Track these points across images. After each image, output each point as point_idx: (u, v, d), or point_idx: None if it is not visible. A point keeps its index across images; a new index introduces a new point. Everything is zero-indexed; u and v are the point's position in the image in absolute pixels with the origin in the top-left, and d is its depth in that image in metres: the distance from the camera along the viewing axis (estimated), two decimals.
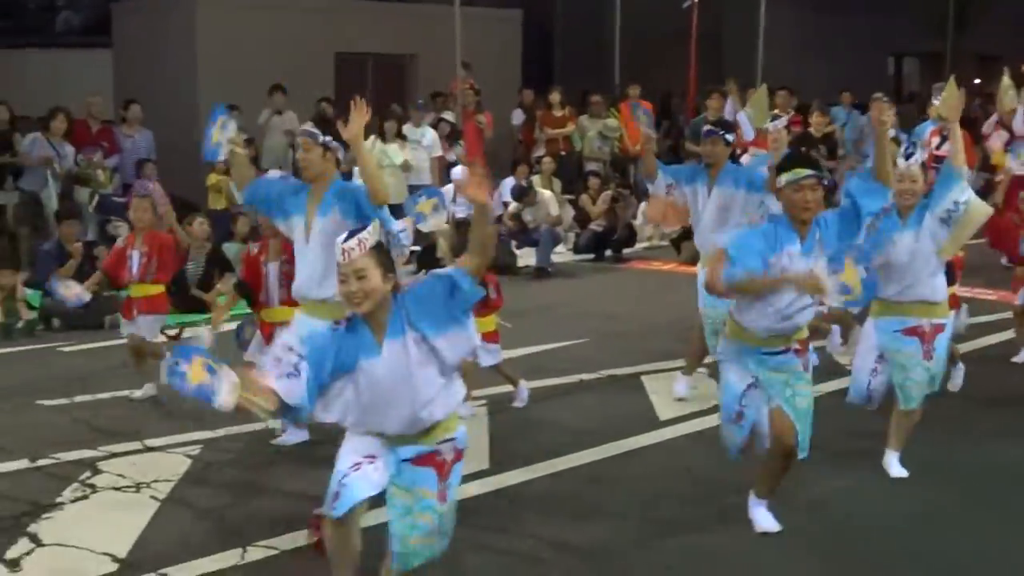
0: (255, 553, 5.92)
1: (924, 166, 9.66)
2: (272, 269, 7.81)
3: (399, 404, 4.57)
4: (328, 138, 6.48)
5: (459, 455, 4.77)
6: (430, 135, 15.64)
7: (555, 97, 17.98)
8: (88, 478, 7.06)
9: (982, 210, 6.93)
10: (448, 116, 17.04)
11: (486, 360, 8.19)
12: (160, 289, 8.93)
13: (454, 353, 4.63)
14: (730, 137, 8.42)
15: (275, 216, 6.93)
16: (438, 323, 4.56)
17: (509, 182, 15.38)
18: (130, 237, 8.99)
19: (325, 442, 4.20)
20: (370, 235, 4.50)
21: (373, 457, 4.63)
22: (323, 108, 16.01)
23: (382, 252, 4.56)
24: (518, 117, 18.73)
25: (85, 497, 6.75)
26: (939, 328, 6.95)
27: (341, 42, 19.92)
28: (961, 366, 8.94)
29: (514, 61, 21.99)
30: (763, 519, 6.08)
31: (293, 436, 7.52)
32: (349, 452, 4.67)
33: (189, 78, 18.52)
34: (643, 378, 9.33)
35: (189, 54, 18.68)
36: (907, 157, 6.94)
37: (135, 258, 8.75)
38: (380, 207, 6.56)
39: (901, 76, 31.14)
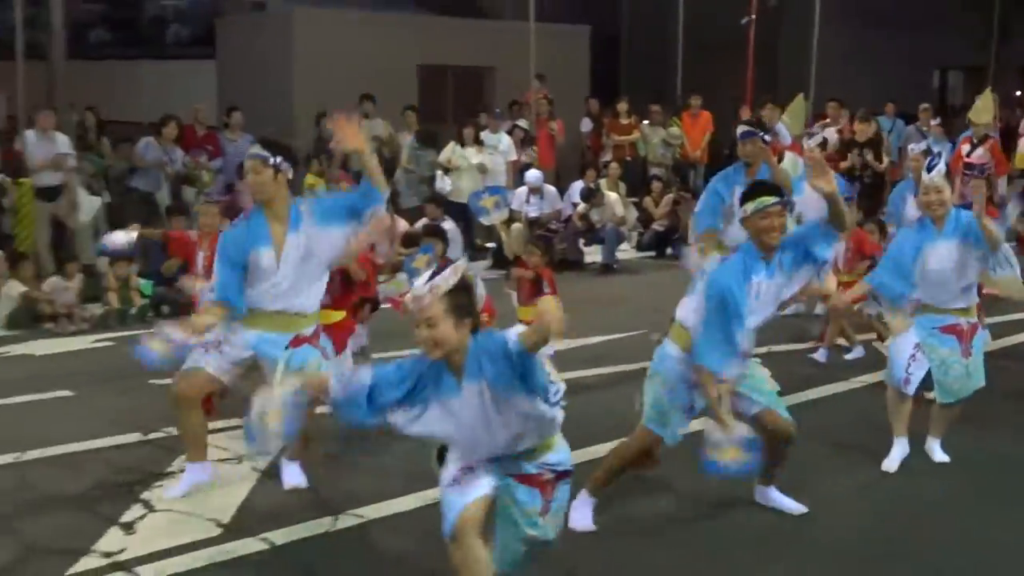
0: (345, 521, 5.98)
1: (949, 172, 9.55)
2: (200, 258, 7.73)
3: (484, 439, 4.33)
4: (278, 159, 5.89)
5: (563, 475, 4.48)
6: (506, 141, 15.61)
7: (622, 106, 17.89)
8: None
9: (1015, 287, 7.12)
10: (522, 123, 17.00)
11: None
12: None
13: (526, 404, 4.23)
14: (767, 138, 8.27)
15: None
16: (506, 383, 4.15)
17: (578, 185, 15.30)
18: (200, 237, 8.89)
19: None
20: (445, 280, 4.11)
21: (471, 468, 4.40)
22: (408, 115, 16.08)
23: (458, 296, 4.13)
24: (586, 125, 18.65)
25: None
26: (976, 326, 6.77)
27: (424, 55, 19.97)
28: None
29: (583, 73, 21.94)
30: (781, 500, 6.05)
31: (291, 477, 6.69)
32: (450, 462, 4.48)
33: (286, 87, 18.64)
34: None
35: (286, 65, 18.80)
36: (929, 170, 6.63)
37: (200, 259, 8.62)
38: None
39: (946, 89, 30.64)
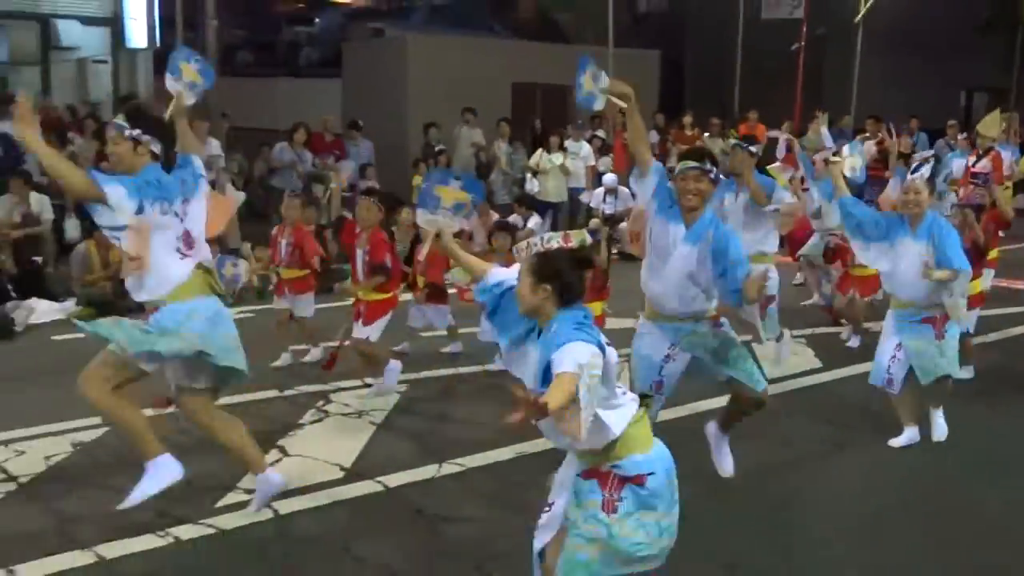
0: (448, 468, 6.02)
1: (953, 181, 9.22)
2: (359, 254, 7.41)
3: None
4: (137, 131, 4.88)
5: (635, 479, 3.59)
6: (586, 148, 15.56)
7: (687, 119, 17.72)
8: (322, 405, 7.26)
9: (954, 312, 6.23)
10: (600, 134, 16.94)
11: None
12: (305, 273, 8.40)
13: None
14: (753, 149, 7.83)
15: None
16: (539, 377, 3.55)
17: None
18: (280, 228, 8.63)
19: (506, 376, 4.04)
20: (540, 243, 3.70)
21: (551, 504, 3.81)
22: (502, 126, 16.13)
23: (543, 262, 3.61)
24: (653, 136, 18.50)
25: (320, 420, 6.95)
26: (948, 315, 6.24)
27: (517, 74, 19.91)
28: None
29: (652, 91, 21.75)
30: (722, 455, 5.74)
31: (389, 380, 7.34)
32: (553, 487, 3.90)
33: (400, 101, 18.71)
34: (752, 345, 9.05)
35: (401, 82, 18.88)
36: (913, 171, 6.14)
37: (283, 246, 8.40)
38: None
39: (971, 108, 29.86)
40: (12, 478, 5.83)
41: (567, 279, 3.59)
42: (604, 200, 14.08)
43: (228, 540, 5.07)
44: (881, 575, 4.91)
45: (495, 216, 13.89)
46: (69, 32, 15.62)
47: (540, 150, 15.20)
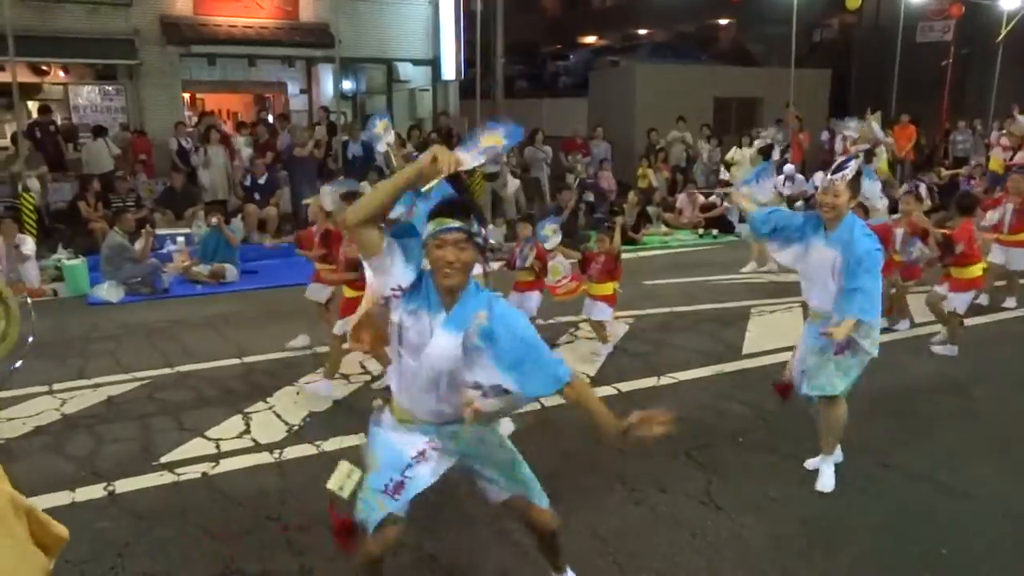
0: (665, 380, 5.82)
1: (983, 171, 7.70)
2: None
3: None
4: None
5: None
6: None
7: (905, 117, 16.38)
8: (573, 331, 7.17)
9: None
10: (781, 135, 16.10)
11: (597, 315, 6.44)
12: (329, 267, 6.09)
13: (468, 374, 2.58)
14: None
15: None
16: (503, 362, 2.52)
17: (819, 175, 14.26)
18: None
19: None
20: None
21: None
22: (704, 130, 15.54)
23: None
24: (825, 136, 17.33)
25: (571, 342, 6.85)
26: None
27: (717, 90, 19.31)
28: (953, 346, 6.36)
29: (823, 100, 20.43)
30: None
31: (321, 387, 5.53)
32: None
33: (629, 112, 18.49)
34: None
35: (630, 99, 18.66)
36: (835, 171, 3.85)
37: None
38: None
39: None
40: (368, 372, 6.16)
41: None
42: (784, 184, 13.29)
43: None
44: None
45: (701, 197, 13.51)
46: (405, 70, 16.30)
47: (734, 147, 14.57)
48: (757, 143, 13.82)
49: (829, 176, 3.89)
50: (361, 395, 5.58)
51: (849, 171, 3.85)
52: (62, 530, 1.64)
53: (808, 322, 4.20)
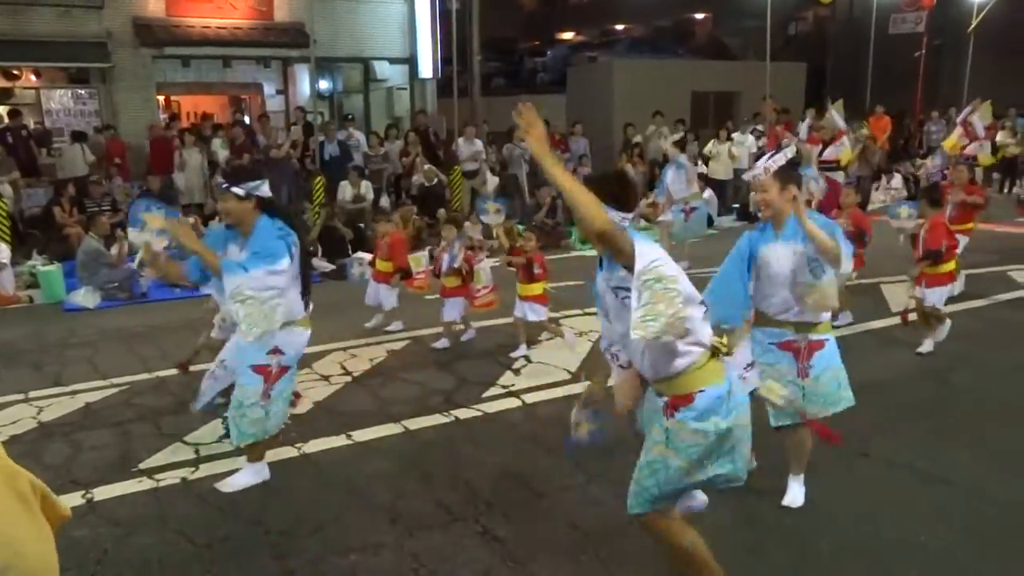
0: None
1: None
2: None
3: None
4: None
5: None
6: (750, 139, 14.87)
7: (880, 108, 16.67)
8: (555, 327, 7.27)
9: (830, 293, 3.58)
10: (759, 127, 16.17)
11: (532, 317, 6.41)
12: (389, 267, 7.17)
13: None
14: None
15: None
16: None
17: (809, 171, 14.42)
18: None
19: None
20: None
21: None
22: (680, 125, 15.58)
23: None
24: (803, 129, 17.47)
25: (552, 339, 6.85)
26: (817, 345, 3.68)
27: (695, 85, 19.41)
28: (945, 327, 6.28)
29: (799, 94, 20.60)
30: None
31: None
32: None
33: (607, 108, 18.54)
34: None
35: (608, 94, 18.72)
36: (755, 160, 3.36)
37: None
38: None
39: None
40: (348, 373, 6.17)
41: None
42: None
43: (494, 420, 5.16)
44: None
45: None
46: (381, 69, 16.24)
47: (712, 140, 14.64)
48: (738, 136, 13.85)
49: (751, 172, 3.64)
50: (342, 397, 5.57)
51: (772, 162, 3.57)
52: (66, 509, 1.66)
53: (754, 332, 3.77)
